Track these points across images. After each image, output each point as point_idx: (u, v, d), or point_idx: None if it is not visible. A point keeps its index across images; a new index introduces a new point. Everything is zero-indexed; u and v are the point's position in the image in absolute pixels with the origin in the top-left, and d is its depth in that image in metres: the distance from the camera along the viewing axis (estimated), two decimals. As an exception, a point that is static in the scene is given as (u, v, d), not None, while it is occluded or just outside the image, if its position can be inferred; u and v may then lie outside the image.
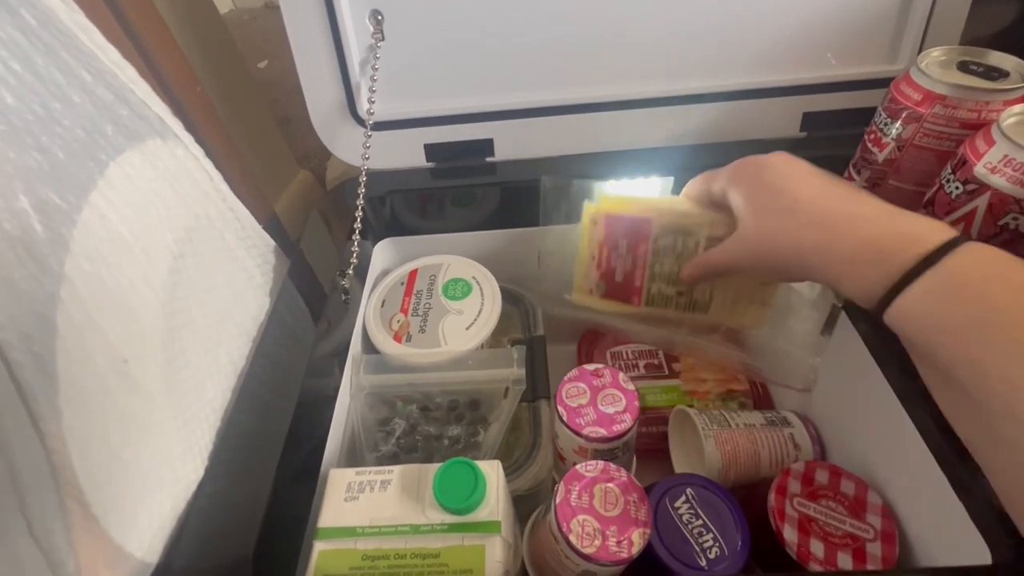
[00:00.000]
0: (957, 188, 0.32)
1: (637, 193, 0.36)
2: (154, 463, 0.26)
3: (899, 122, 0.37)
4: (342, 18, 0.43)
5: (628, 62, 0.45)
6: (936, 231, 0.24)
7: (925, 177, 0.37)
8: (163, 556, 0.27)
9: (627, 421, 0.37)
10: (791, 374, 0.39)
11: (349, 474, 0.31)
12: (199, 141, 0.41)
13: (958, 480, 0.32)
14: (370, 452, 0.36)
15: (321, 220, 0.53)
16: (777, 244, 0.28)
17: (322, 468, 0.35)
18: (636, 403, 0.38)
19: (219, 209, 0.35)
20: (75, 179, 0.23)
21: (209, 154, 0.42)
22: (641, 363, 0.57)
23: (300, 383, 0.39)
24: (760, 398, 0.53)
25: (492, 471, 0.31)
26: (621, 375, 0.40)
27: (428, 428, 0.38)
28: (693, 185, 0.34)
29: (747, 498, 0.42)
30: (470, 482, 0.29)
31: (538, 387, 0.44)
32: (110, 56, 0.29)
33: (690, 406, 0.54)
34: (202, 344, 0.30)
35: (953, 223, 0.32)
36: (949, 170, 0.33)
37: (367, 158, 0.45)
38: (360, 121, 0.47)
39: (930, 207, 0.35)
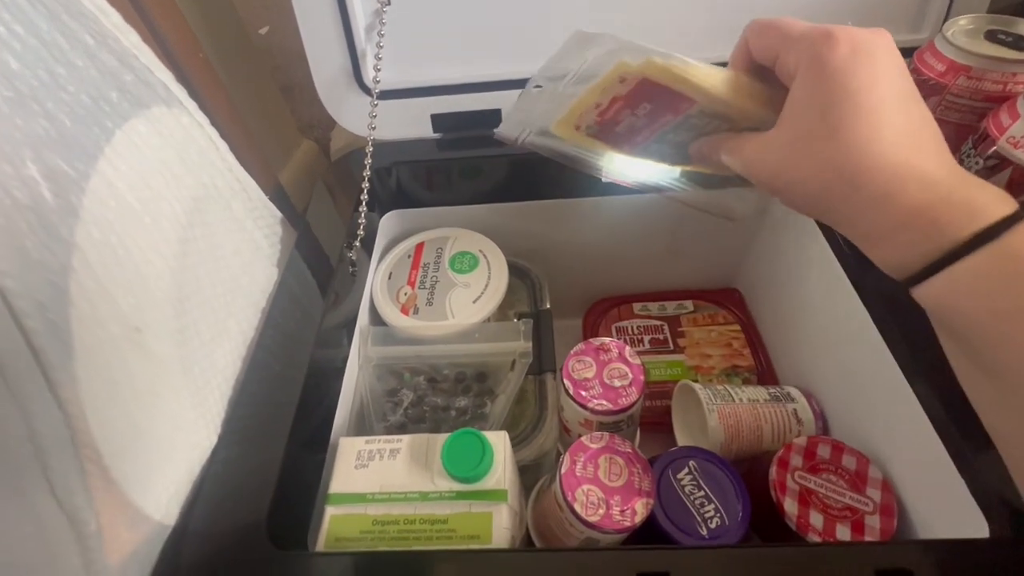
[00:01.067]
0: (977, 163, 0.31)
1: (690, 65, 0.28)
2: (169, 429, 0.27)
3: (921, 93, 0.36)
4: (347, -19, 0.41)
5: (643, 31, 0.44)
6: (997, 202, 0.21)
7: (944, 152, 0.36)
8: (180, 518, 0.28)
9: (633, 395, 0.37)
10: (730, 209, 0.37)
11: (359, 443, 0.32)
12: (203, 109, 0.41)
13: (959, 454, 0.32)
14: (378, 422, 0.37)
15: (326, 191, 0.52)
16: (811, 177, 0.23)
17: (331, 437, 0.36)
18: (642, 377, 0.38)
19: (226, 179, 0.34)
20: (82, 146, 0.23)
21: (214, 122, 0.41)
22: (646, 338, 0.57)
23: (309, 354, 0.39)
24: (764, 374, 0.53)
25: (499, 441, 0.31)
26: (628, 349, 0.40)
27: (435, 399, 0.38)
28: (758, 37, 0.27)
29: (749, 471, 0.43)
30: (478, 452, 0.30)
31: (544, 360, 0.45)
32: (112, 20, 0.28)
33: (694, 381, 0.54)
34: (212, 313, 0.31)
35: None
36: (970, 144, 0.32)
37: (374, 128, 0.44)
38: (366, 90, 0.46)
39: (947, 183, 0.34)
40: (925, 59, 0.35)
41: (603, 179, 0.39)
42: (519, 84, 0.46)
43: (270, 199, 0.46)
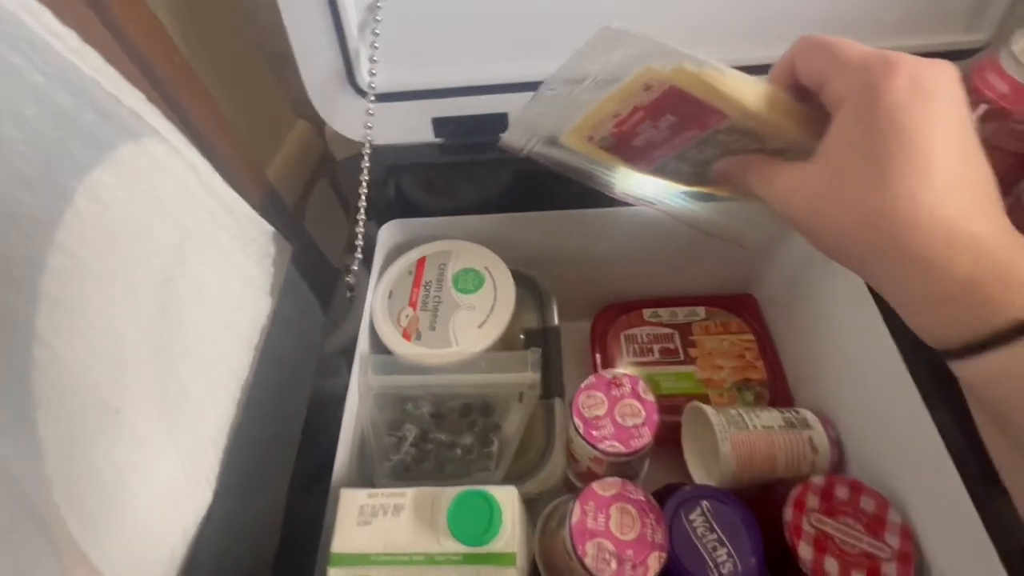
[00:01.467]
0: (1038, 209, 0.28)
1: (726, 74, 0.25)
2: (157, 503, 0.25)
3: (977, 116, 0.32)
4: (336, -28, 0.37)
5: (659, 30, 0.39)
6: None
7: (999, 182, 0.33)
8: (178, 586, 0.27)
9: (646, 436, 0.36)
10: (743, 236, 0.35)
11: (361, 496, 0.31)
12: (183, 120, 0.37)
13: (984, 505, 0.31)
14: (380, 461, 0.36)
15: (329, 188, 0.49)
16: (849, 224, 0.21)
17: (334, 475, 0.35)
18: (655, 416, 0.37)
19: (209, 208, 0.31)
20: (38, 222, 0.20)
21: (196, 134, 0.38)
22: (656, 347, 0.55)
23: (309, 384, 0.37)
24: (777, 389, 0.52)
25: (507, 499, 0.30)
26: (641, 384, 0.38)
27: (440, 436, 0.37)
28: (806, 55, 0.24)
29: (761, 500, 0.42)
30: (485, 514, 0.29)
31: (552, 384, 0.43)
32: (69, 43, 0.25)
33: (704, 394, 0.53)
34: (200, 368, 0.29)
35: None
36: (1031, 185, 0.29)
37: (370, 129, 0.41)
38: (361, 92, 0.42)
39: (1000, 222, 0.31)
40: (987, 76, 0.32)
41: (611, 195, 0.36)
42: (528, 87, 0.42)
43: (262, 209, 0.43)
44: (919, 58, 0.21)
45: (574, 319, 0.56)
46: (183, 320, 0.27)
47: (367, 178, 0.38)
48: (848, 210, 0.21)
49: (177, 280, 0.27)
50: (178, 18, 0.49)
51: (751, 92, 0.26)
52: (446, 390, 0.39)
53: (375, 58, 0.38)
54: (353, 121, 0.42)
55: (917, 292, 0.21)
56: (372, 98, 0.39)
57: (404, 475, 0.35)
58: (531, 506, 0.40)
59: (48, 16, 0.24)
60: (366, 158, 0.38)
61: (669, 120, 0.28)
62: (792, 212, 0.24)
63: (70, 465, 0.20)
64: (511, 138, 0.34)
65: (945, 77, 0.21)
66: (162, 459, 0.25)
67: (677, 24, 0.40)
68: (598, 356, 0.55)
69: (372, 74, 0.38)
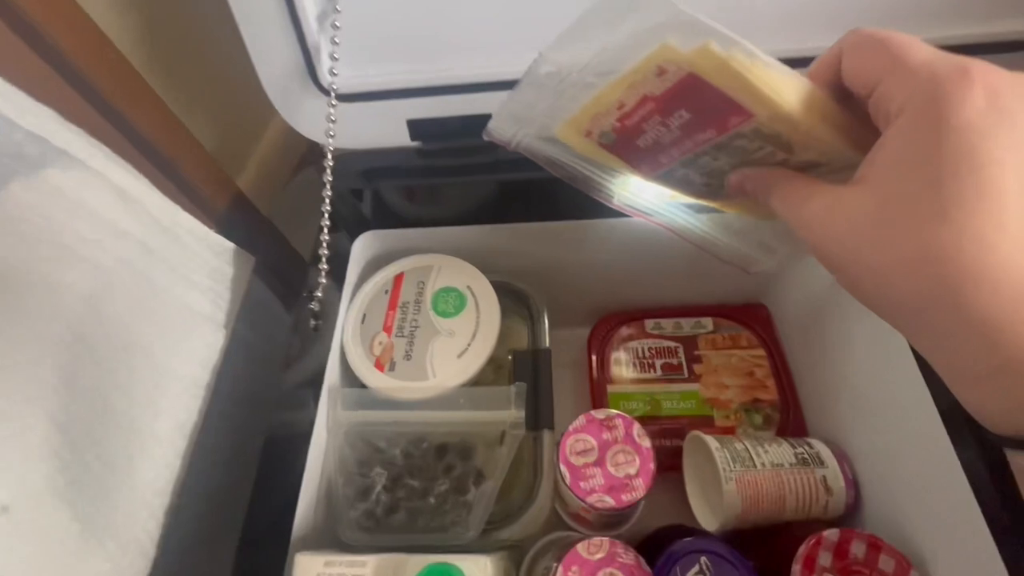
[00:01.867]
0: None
1: (763, 68, 0.21)
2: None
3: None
4: (287, -45, 0.32)
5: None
6: None
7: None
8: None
9: (640, 489, 0.32)
10: (752, 261, 0.32)
11: (318, 564, 0.28)
12: (121, 127, 0.33)
13: (1017, 569, 0.27)
14: (347, 509, 0.33)
15: (315, 182, 0.45)
16: (898, 268, 0.17)
17: (295, 528, 0.32)
18: (651, 465, 0.33)
19: (140, 238, 0.27)
20: None
21: (138, 143, 0.34)
22: (658, 363, 0.51)
23: (267, 427, 0.34)
24: (788, 412, 0.48)
25: (479, 572, 0.27)
26: (636, 427, 0.34)
27: (412, 482, 0.34)
28: (857, 52, 0.20)
29: (767, 542, 0.38)
30: (452, 594, 0.25)
31: (541, 415, 0.39)
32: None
33: (709, 416, 0.49)
34: (128, 429, 0.25)
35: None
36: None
37: (332, 135, 0.36)
38: (324, 91, 0.37)
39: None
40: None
41: (608, 204, 0.32)
42: (510, 85, 0.37)
43: (225, 218, 0.40)
44: (999, 69, 0.17)
45: (570, 327, 0.53)
46: (101, 383, 0.24)
47: (330, 193, 0.34)
48: (895, 248, 0.17)
49: (92, 338, 0.23)
50: (149, 10, 0.43)
51: (787, 88, 0.21)
52: (421, 428, 0.36)
53: (336, 55, 0.33)
54: (317, 123, 0.38)
55: (972, 361, 0.17)
56: (334, 97, 0.34)
57: (373, 528, 0.32)
58: (516, 548, 0.37)
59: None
60: (328, 170, 0.34)
61: (682, 117, 0.23)
62: (823, 244, 0.20)
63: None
64: (497, 128, 0.29)
65: (1009, 105, 0.16)
66: (70, 551, 0.22)
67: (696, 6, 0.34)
68: (595, 371, 0.51)
69: (334, 73, 0.34)
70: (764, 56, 0.21)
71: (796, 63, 0.21)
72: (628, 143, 0.26)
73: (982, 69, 0.17)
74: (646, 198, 0.32)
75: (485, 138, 0.30)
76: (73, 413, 0.22)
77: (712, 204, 0.29)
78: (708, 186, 0.27)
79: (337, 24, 0.33)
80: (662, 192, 0.30)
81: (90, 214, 0.25)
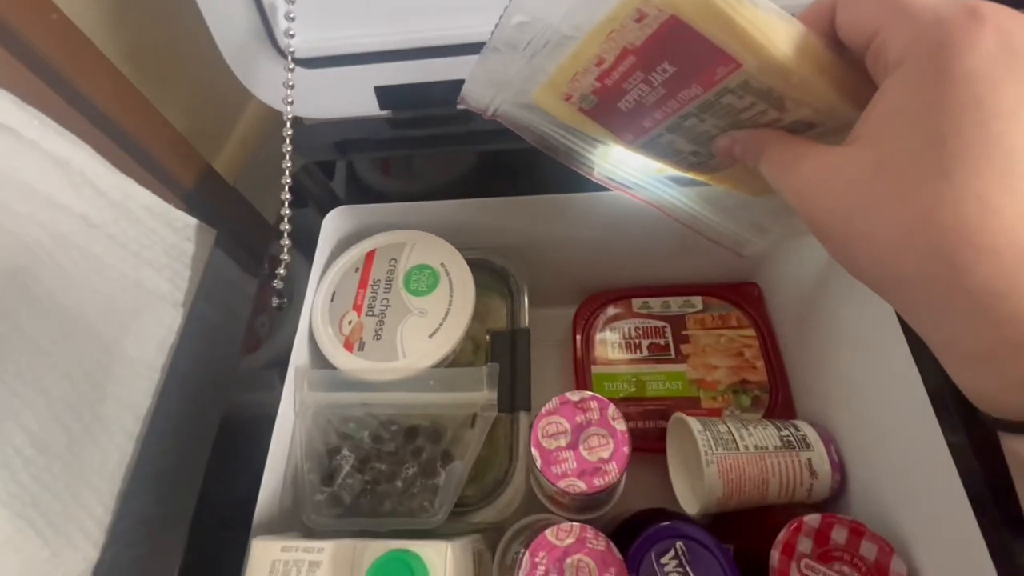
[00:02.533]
0: None
1: (745, 3, 0.19)
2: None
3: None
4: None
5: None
6: None
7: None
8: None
9: (613, 472, 0.31)
10: (744, 242, 0.31)
11: (274, 549, 0.27)
12: (68, 95, 0.31)
13: (1002, 558, 0.27)
14: (313, 493, 0.32)
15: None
16: (895, 234, 0.16)
17: (257, 509, 0.31)
18: (625, 448, 0.32)
19: (81, 212, 0.26)
20: None
21: (88, 112, 0.32)
22: (645, 343, 0.50)
23: (223, 407, 0.33)
24: (777, 394, 0.46)
25: (438, 558, 0.26)
26: (611, 409, 0.33)
27: (380, 465, 0.33)
28: (855, 8, 0.18)
29: (744, 525, 0.37)
30: (409, 581, 0.24)
31: (517, 396, 0.38)
32: None
33: (695, 397, 0.48)
34: (68, 415, 0.24)
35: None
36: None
37: (290, 100, 0.34)
38: (283, 54, 0.35)
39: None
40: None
41: (590, 177, 0.30)
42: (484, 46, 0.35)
43: (189, 189, 0.38)
44: (1014, 11, 0.15)
45: (556, 305, 0.51)
46: (32, 365, 0.22)
47: (289, 163, 0.32)
48: (890, 212, 0.16)
49: (20, 317, 0.22)
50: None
51: (779, 31, 0.19)
52: (390, 410, 0.35)
53: (292, 15, 0.31)
54: (279, 88, 0.36)
55: (970, 337, 0.16)
56: (291, 61, 0.32)
57: (339, 512, 0.31)
58: (490, 533, 0.36)
59: None
60: (287, 139, 0.32)
61: (665, 72, 0.21)
62: (814, 210, 0.18)
63: None
64: (472, 94, 0.27)
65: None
66: (6, 551, 0.21)
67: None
68: (579, 351, 0.50)
69: (290, 35, 0.31)
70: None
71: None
72: (610, 107, 0.24)
73: (994, 9, 0.15)
74: (630, 170, 0.30)
75: (459, 106, 0.28)
76: (2, 398, 0.21)
77: (701, 178, 0.28)
78: (696, 155, 0.26)
79: (292, -21, 0.31)
80: (648, 165, 0.28)
81: (20, 186, 0.23)
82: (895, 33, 0.16)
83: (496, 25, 0.24)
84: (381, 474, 0.32)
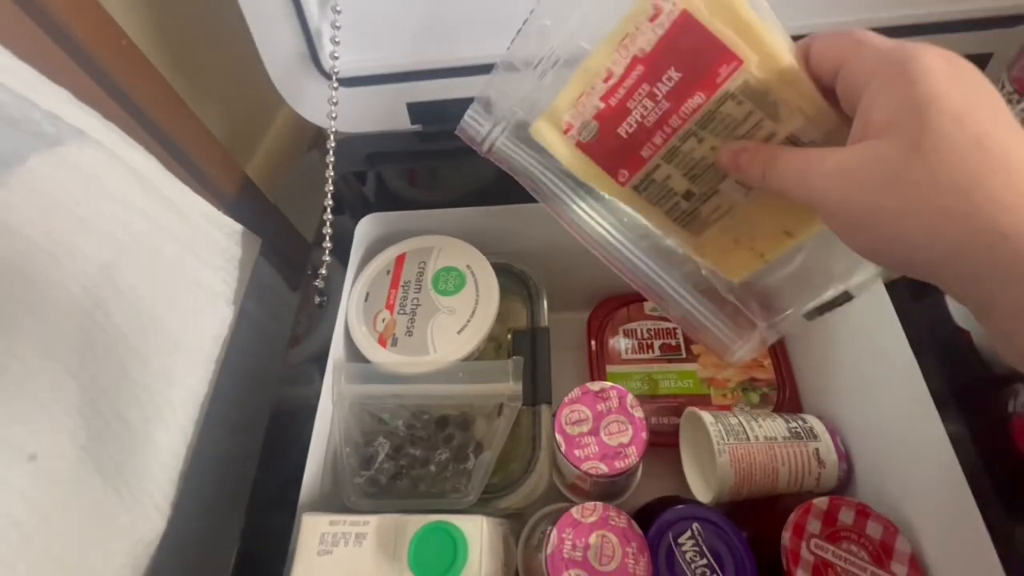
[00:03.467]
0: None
1: (759, 9, 0.22)
2: (98, 541, 0.24)
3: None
4: (289, -58, 0.33)
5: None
6: None
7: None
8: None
9: (632, 456, 0.33)
10: (729, 346, 0.29)
11: (323, 523, 0.29)
12: (133, 112, 0.34)
13: (1000, 534, 0.28)
14: (352, 477, 0.34)
15: (320, 165, 0.46)
16: (922, 222, 0.17)
17: (301, 494, 0.33)
18: (643, 434, 0.34)
19: (152, 216, 0.29)
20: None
21: (149, 127, 0.35)
22: (656, 343, 0.52)
23: (273, 397, 0.35)
24: (785, 391, 0.48)
25: (475, 530, 0.28)
26: (629, 397, 0.35)
27: (414, 451, 0.35)
28: (823, 41, 0.21)
29: (761, 515, 0.39)
30: (449, 550, 0.27)
31: (539, 390, 0.40)
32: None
33: (707, 395, 0.50)
34: (144, 395, 0.27)
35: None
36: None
37: (334, 117, 0.37)
38: (327, 75, 0.38)
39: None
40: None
41: (577, 235, 0.29)
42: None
43: (233, 202, 0.41)
44: (930, 47, 0.19)
45: (571, 309, 0.54)
46: (117, 346, 0.25)
47: (332, 173, 0.35)
48: (943, 181, 0.17)
49: (109, 305, 0.25)
50: (147, 14, 0.45)
51: (775, 32, 0.22)
52: (422, 401, 0.37)
53: (337, 39, 0.34)
54: (320, 107, 0.39)
55: (1010, 296, 0.17)
56: (335, 82, 0.35)
57: (376, 493, 0.33)
58: (516, 517, 0.38)
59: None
60: (331, 151, 0.35)
61: (671, 80, 0.23)
62: (839, 206, 0.19)
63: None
64: (470, 125, 0.28)
65: (970, 65, 0.18)
66: (94, 497, 0.23)
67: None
68: (594, 352, 0.52)
69: (335, 57, 0.35)
70: (763, 5, 0.22)
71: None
72: (609, 135, 0.25)
73: (929, 46, 0.18)
74: (616, 234, 0.29)
75: (457, 134, 0.28)
76: (93, 373, 0.23)
77: (684, 245, 0.28)
78: (689, 198, 0.26)
79: (338, 8, 0.34)
80: (635, 224, 0.28)
81: (105, 190, 0.26)
82: (860, 61, 0.19)
83: (518, 32, 0.25)
84: (415, 459, 0.35)
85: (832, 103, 0.22)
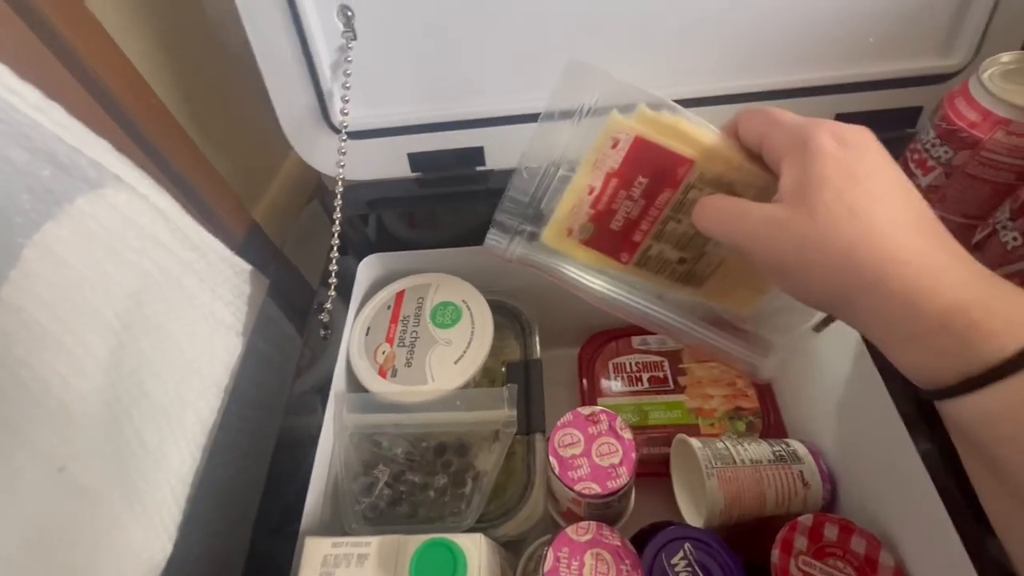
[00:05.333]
0: (1015, 239, 0.27)
1: (686, 119, 0.27)
2: (107, 558, 0.25)
3: (950, 144, 0.31)
4: (307, 15, 0.37)
5: (631, 63, 0.40)
6: None
7: (976, 209, 0.32)
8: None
9: (623, 476, 0.35)
10: (757, 365, 0.33)
11: (325, 545, 0.30)
12: (157, 162, 0.37)
13: (972, 543, 0.30)
14: (352, 504, 0.35)
15: (322, 213, 0.49)
16: (830, 261, 0.21)
17: (303, 520, 0.34)
18: (633, 455, 0.36)
19: (175, 253, 0.31)
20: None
21: (171, 175, 0.38)
22: (645, 376, 0.54)
23: (279, 427, 0.37)
24: (769, 418, 0.50)
25: (474, 547, 0.29)
26: (618, 420, 0.37)
27: (413, 478, 0.36)
28: (748, 118, 0.26)
29: (751, 538, 0.40)
30: (449, 565, 0.28)
31: (533, 419, 0.42)
32: (29, 100, 0.25)
33: (695, 424, 0.52)
34: (161, 417, 0.28)
35: (1007, 277, 0.28)
36: (1007, 215, 0.28)
37: (342, 166, 0.41)
38: (335, 129, 0.42)
39: (979, 252, 0.30)
40: (957, 105, 0.31)
41: (610, 311, 0.33)
42: (502, 120, 0.42)
43: (242, 244, 0.44)
44: (836, 121, 0.24)
45: (562, 346, 0.56)
46: (140, 369, 0.27)
47: (339, 215, 0.38)
48: (830, 244, 0.22)
49: (136, 329, 0.27)
50: (168, 51, 0.50)
51: (707, 132, 0.27)
52: (421, 429, 0.38)
53: (347, 98, 0.39)
54: (328, 158, 0.43)
55: (902, 326, 0.21)
56: (345, 136, 0.39)
57: (377, 519, 0.34)
58: (513, 547, 0.39)
59: (9, 76, 0.25)
60: (338, 196, 0.38)
61: (641, 184, 0.28)
62: (768, 248, 0.23)
63: (11, 528, 0.20)
64: (492, 243, 0.33)
65: (867, 134, 0.23)
66: (113, 513, 0.24)
67: (655, 59, 0.40)
68: (585, 385, 0.54)
69: (344, 113, 0.39)
70: (684, 112, 0.27)
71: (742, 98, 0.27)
72: (604, 231, 0.30)
73: (828, 122, 0.23)
74: (631, 296, 0.33)
75: (484, 249, 0.33)
76: (118, 392, 0.25)
77: (693, 295, 0.32)
78: (683, 263, 0.30)
79: (348, 72, 0.38)
80: (646, 288, 0.32)
81: (137, 228, 0.29)
82: (776, 137, 0.24)
83: (512, 178, 0.30)
84: (414, 486, 0.36)
85: (762, 166, 0.26)
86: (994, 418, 0.20)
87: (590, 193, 0.29)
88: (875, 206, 0.21)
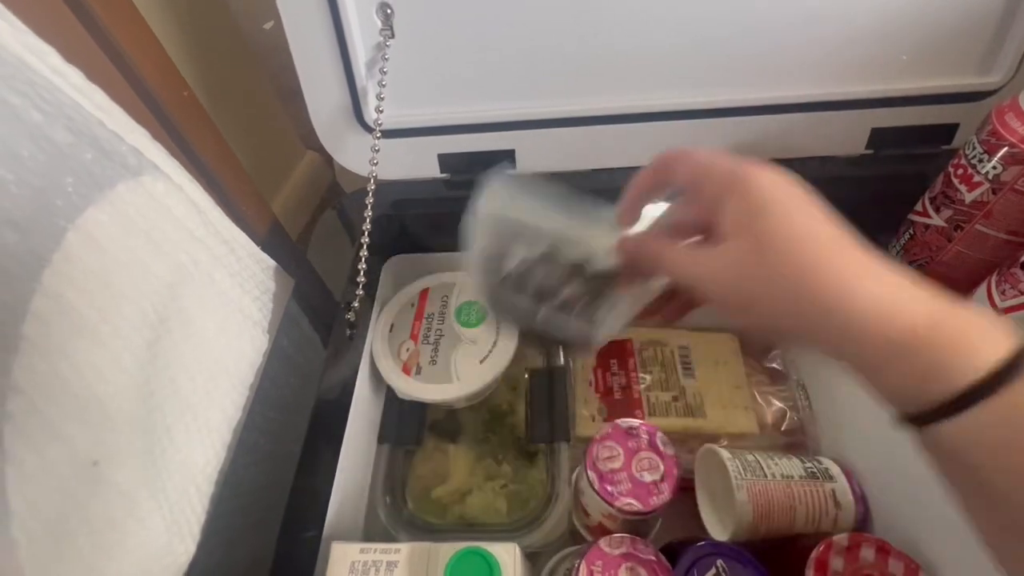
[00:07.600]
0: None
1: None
2: (135, 558, 0.24)
3: (998, 159, 0.31)
4: (346, 12, 0.37)
5: (667, 69, 0.39)
6: (995, 339, 0.19)
7: (1022, 226, 0.31)
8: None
9: (665, 492, 0.34)
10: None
11: (353, 551, 0.29)
12: (188, 156, 0.37)
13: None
14: (489, 279, 0.31)
15: (336, 220, 0.49)
16: (779, 293, 0.21)
17: (327, 522, 0.33)
18: (675, 471, 0.35)
19: (208, 246, 0.31)
20: (23, 264, 0.19)
21: (200, 167, 0.38)
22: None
23: (306, 423, 0.36)
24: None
25: (508, 557, 0.28)
26: (659, 435, 0.36)
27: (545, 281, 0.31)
28: (677, 164, 0.25)
29: (778, 557, 0.39)
30: (484, 574, 0.27)
31: (556, 428, 0.41)
32: (72, 81, 0.25)
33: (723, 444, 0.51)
34: (188, 412, 0.27)
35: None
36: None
37: (375, 164, 0.40)
38: (367, 128, 0.42)
39: (1028, 269, 0.29)
40: (1006, 119, 0.31)
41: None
42: (535, 124, 0.42)
43: (266, 242, 0.43)
44: (762, 164, 0.23)
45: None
46: (173, 363, 0.26)
47: (370, 214, 0.37)
48: (778, 280, 0.21)
49: (170, 323, 0.26)
50: (191, 55, 0.49)
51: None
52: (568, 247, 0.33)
53: (382, 96, 0.38)
54: (359, 157, 0.42)
55: (869, 355, 0.21)
56: (379, 135, 0.38)
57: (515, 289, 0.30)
58: (532, 559, 0.38)
59: (54, 57, 0.24)
60: (370, 194, 0.38)
61: (613, 362, 0.36)
62: (723, 290, 0.23)
63: (40, 524, 0.19)
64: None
65: (783, 178, 0.22)
66: (142, 512, 0.24)
67: (695, 67, 0.40)
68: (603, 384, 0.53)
69: (379, 111, 0.38)
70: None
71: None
72: (613, 403, 0.36)
73: (754, 165, 0.23)
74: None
75: None
76: (153, 387, 0.24)
77: (705, 427, 0.36)
78: (676, 400, 0.35)
79: (384, 70, 0.38)
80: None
81: (174, 218, 0.28)
82: (712, 179, 0.23)
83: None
84: (543, 288, 0.30)
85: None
86: (962, 441, 0.19)
87: (590, 385, 0.39)
88: (821, 229, 0.21)
